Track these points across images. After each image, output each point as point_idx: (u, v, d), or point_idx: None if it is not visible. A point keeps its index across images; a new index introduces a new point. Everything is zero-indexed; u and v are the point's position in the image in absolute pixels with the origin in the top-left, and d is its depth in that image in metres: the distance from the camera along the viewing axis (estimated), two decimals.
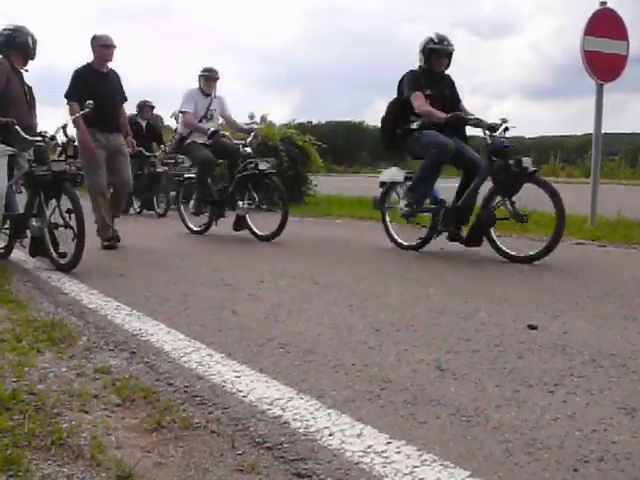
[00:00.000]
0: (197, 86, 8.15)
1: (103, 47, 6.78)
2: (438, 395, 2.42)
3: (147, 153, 11.37)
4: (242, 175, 7.54)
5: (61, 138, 5.65)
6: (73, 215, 5.17)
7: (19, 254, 6.01)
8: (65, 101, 6.61)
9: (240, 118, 9.17)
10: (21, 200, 5.79)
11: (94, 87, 6.55)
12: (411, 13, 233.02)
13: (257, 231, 7.46)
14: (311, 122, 64.64)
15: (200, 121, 7.97)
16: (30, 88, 6.27)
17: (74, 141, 5.80)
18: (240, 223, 7.60)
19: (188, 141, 8.01)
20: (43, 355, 2.94)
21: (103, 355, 2.97)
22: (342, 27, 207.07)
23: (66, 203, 5.24)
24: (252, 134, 8.13)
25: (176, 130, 9.01)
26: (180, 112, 8.18)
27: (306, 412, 2.26)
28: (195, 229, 8.22)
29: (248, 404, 2.35)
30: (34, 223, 5.39)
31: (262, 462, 1.91)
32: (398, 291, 4.35)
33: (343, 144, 59.78)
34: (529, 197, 5.62)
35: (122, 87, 7.12)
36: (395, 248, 6.57)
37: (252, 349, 3.03)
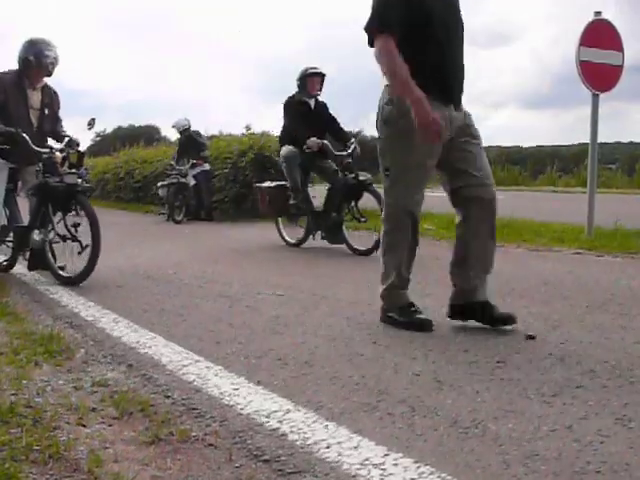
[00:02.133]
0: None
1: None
2: (436, 407, 2.42)
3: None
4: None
5: (67, 150, 5.59)
6: (80, 228, 5.15)
7: (17, 267, 6.00)
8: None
9: (239, 130, 9.17)
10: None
11: None
12: None
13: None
14: None
15: None
16: (44, 111, 5.77)
17: (78, 144, 5.68)
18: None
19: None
20: (41, 368, 2.93)
21: (101, 368, 2.97)
22: (342, 38, 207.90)
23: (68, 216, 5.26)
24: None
25: None
26: None
27: (303, 424, 2.26)
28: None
29: (246, 417, 2.35)
30: (36, 236, 5.29)
31: (259, 475, 1.91)
32: None
33: None
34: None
35: None
36: None
37: (250, 361, 3.03)
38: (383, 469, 1.91)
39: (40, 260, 5.37)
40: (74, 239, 5.19)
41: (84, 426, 2.28)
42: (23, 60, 5.57)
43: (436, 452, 2.03)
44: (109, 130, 61.65)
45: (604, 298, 4.41)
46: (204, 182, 12.38)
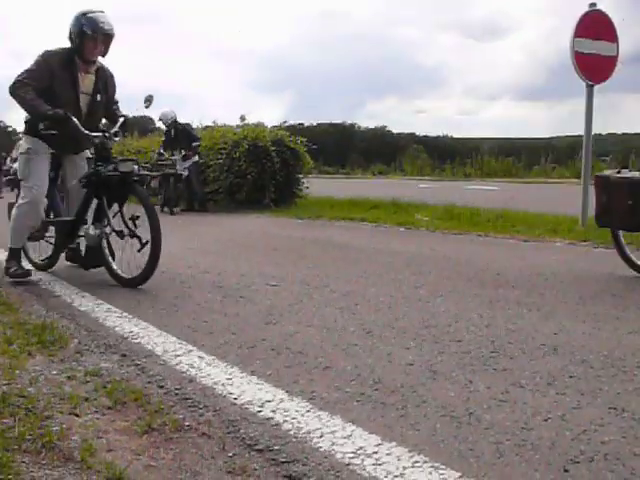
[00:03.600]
0: None
1: None
2: (429, 396, 2.42)
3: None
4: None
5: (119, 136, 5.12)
6: (139, 221, 4.67)
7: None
8: None
9: (233, 120, 9.15)
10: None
11: None
12: (403, 16, 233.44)
13: None
14: (302, 124, 64.81)
15: None
16: (96, 97, 5.06)
17: (116, 135, 5.04)
18: None
19: None
20: (34, 358, 2.93)
21: (94, 358, 2.96)
22: (335, 30, 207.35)
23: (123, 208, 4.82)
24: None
25: None
26: None
27: (297, 414, 2.26)
28: None
29: (239, 406, 2.35)
30: (92, 231, 4.81)
31: (253, 464, 1.91)
32: (389, 292, 4.35)
33: (334, 146, 59.96)
34: None
35: None
36: (391, 251, 6.58)
37: (243, 351, 3.03)
38: (376, 458, 1.91)
39: (96, 258, 4.95)
40: (133, 235, 4.68)
41: (77, 416, 2.28)
42: (78, 33, 4.79)
43: (429, 441, 2.03)
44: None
45: (597, 289, 4.42)
46: (195, 173, 12.50)
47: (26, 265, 5.15)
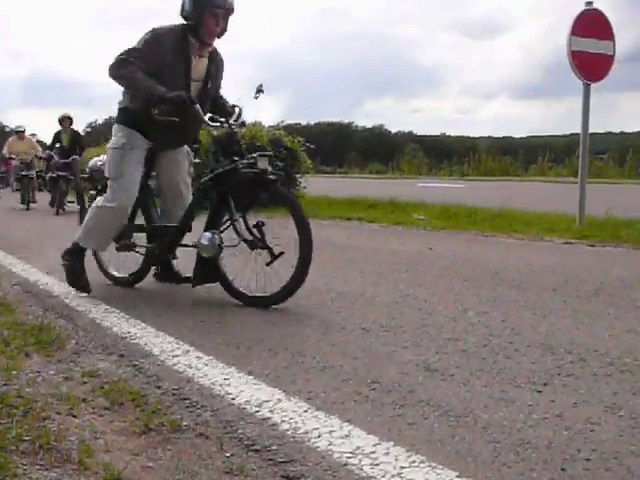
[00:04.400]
0: None
1: None
2: (427, 396, 2.42)
3: None
4: None
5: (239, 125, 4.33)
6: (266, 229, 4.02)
7: (8, 258, 5.98)
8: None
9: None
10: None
11: None
12: (402, 15, 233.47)
13: None
14: (299, 123, 64.87)
15: None
16: (207, 83, 4.35)
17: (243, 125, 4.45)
18: None
19: None
20: (31, 359, 2.92)
21: (91, 358, 2.96)
22: (333, 29, 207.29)
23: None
24: None
25: None
26: None
27: (294, 414, 2.26)
28: None
29: (237, 406, 2.34)
30: (208, 240, 4.07)
31: (251, 464, 1.90)
32: (387, 291, 4.36)
33: (332, 145, 60.02)
34: None
35: None
36: (389, 250, 6.59)
37: (241, 351, 3.03)
38: (374, 458, 1.91)
39: (210, 273, 4.18)
40: (264, 245, 4.01)
41: (75, 416, 2.27)
42: (197, 7, 4.06)
43: (427, 441, 2.03)
44: (100, 121, 61.72)
45: (595, 287, 4.43)
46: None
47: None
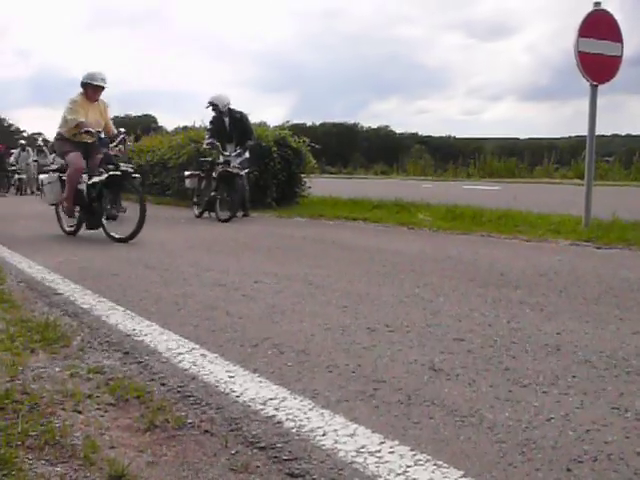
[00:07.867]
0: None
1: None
2: (432, 395, 2.42)
3: None
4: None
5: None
6: None
7: (16, 256, 6.00)
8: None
9: None
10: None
11: None
12: (407, 16, 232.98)
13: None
14: (305, 124, 64.89)
15: None
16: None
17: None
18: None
19: None
20: (37, 355, 2.93)
21: (97, 355, 2.96)
22: (337, 29, 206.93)
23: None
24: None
25: None
26: None
27: (299, 412, 2.26)
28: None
29: (241, 404, 2.34)
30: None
31: (255, 462, 1.90)
32: (392, 291, 4.35)
33: (337, 145, 60.02)
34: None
35: None
36: (394, 250, 6.58)
37: (246, 349, 3.03)
38: (379, 456, 1.91)
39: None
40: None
41: (80, 413, 2.28)
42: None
43: (432, 440, 2.03)
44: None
45: (601, 289, 4.42)
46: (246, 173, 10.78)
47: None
